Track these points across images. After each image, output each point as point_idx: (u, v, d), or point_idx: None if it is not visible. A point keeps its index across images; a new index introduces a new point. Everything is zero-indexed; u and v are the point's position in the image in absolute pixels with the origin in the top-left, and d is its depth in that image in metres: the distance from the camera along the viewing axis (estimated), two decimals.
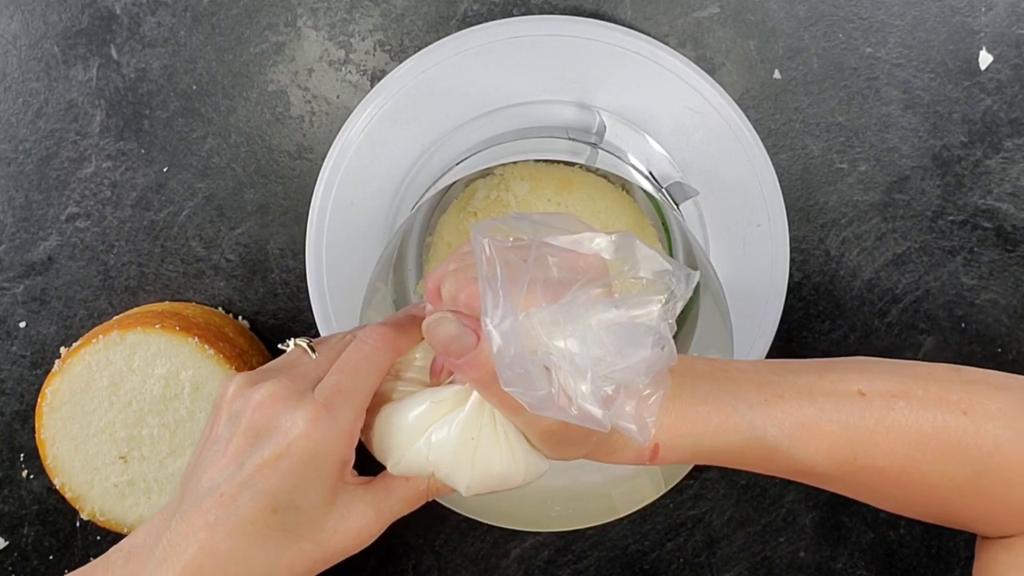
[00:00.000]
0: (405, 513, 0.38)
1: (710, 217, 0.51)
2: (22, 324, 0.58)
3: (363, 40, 0.56)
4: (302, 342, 0.39)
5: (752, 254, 0.51)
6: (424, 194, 0.49)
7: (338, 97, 0.56)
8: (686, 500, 0.60)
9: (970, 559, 0.59)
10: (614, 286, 0.33)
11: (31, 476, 0.60)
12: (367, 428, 0.38)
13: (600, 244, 0.33)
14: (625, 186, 0.54)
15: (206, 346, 0.52)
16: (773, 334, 0.52)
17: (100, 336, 0.53)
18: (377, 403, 0.38)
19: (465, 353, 0.33)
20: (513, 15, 0.54)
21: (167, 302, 0.58)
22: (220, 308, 0.58)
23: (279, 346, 0.40)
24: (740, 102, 0.50)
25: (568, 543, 0.60)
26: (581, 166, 0.52)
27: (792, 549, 0.60)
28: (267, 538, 0.34)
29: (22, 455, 0.60)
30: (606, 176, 0.53)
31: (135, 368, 0.52)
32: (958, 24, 0.54)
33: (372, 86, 0.54)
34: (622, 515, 0.46)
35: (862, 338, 0.58)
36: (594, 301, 0.32)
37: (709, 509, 0.60)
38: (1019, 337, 0.57)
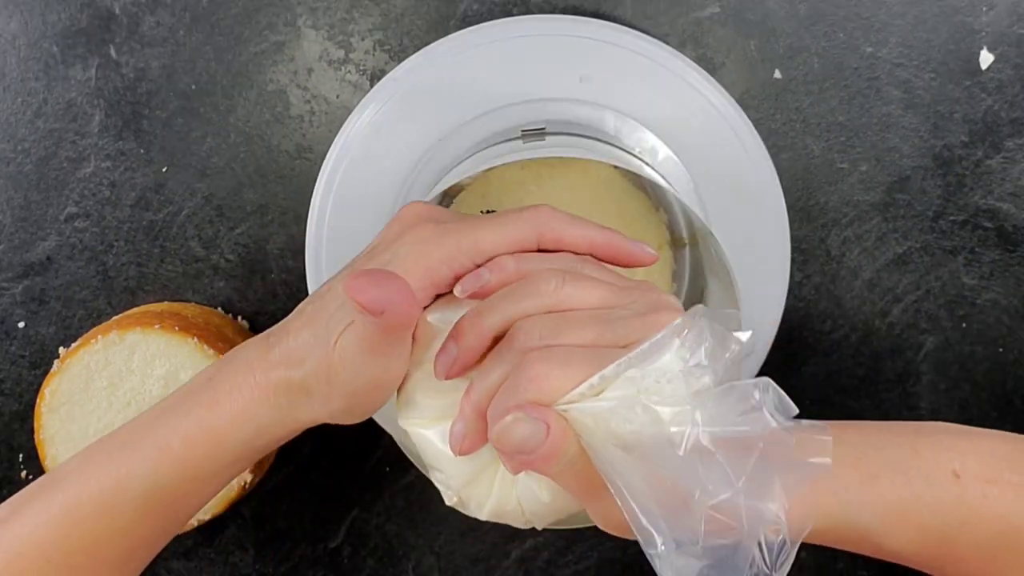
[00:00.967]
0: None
1: (710, 217, 0.51)
2: (21, 324, 0.58)
3: (363, 40, 0.56)
4: None
5: (752, 254, 0.51)
6: (428, 194, 0.49)
7: (338, 97, 0.56)
8: None
9: None
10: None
11: (30, 477, 0.60)
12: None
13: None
14: (634, 181, 0.53)
15: (205, 346, 0.52)
16: (774, 334, 0.52)
17: (99, 336, 0.52)
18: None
19: (538, 448, 0.30)
20: (513, 14, 0.54)
21: (166, 302, 0.58)
22: (219, 308, 0.58)
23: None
24: (740, 102, 0.50)
25: (568, 544, 0.60)
26: (590, 161, 0.52)
27: None
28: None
29: (21, 455, 0.59)
30: (616, 174, 0.53)
31: (134, 368, 0.52)
32: (959, 23, 0.54)
33: (372, 86, 0.54)
34: None
35: (863, 338, 0.57)
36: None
37: None
38: (1020, 337, 0.57)
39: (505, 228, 0.34)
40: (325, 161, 0.51)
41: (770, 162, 0.50)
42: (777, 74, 0.55)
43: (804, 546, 0.57)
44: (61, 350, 0.57)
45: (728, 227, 0.51)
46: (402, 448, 0.44)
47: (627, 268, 0.36)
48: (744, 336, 0.30)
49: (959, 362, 0.57)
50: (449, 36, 0.50)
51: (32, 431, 0.54)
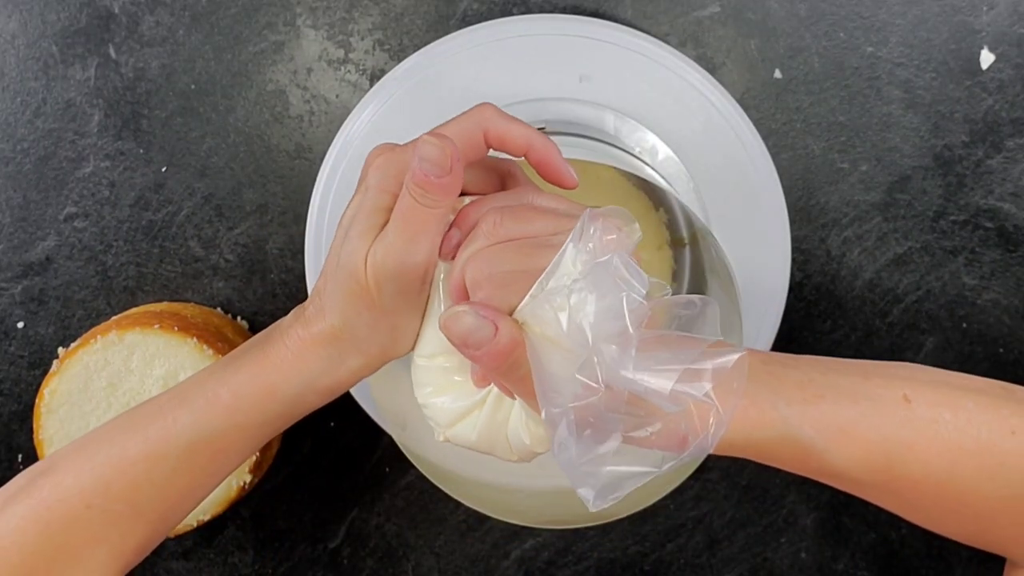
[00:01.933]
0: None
1: (711, 217, 0.51)
2: (20, 324, 0.58)
3: (362, 39, 0.55)
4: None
5: (753, 254, 0.51)
6: None
7: (337, 96, 0.56)
8: (687, 501, 0.59)
9: (971, 559, 0.59)
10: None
11: None
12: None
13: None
14: (635, 180, 0.53)
15: (205, 346, 0.52)
16: (774, 334, 0.52)
17: (98, 336, 0.52)
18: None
19: (484, 344, 0.33)
20: (513, 14, 0.54)
21: (165, 302, 0.58)
22: (219, 308, 0.58)
23: None
24: (741, 101, 0.50)
25: (568, 544, 0.60)
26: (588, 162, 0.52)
27: (793, 550, 0.60)
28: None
29: (20, 456, 0.59)
30: (616, 173, 0.53)
31: (133, 369, 0.52)
32: (959, 23, 0.54)
33: (371, 85, 0.54)
34: (629, 512, 0.46)
35: (863, 338, 0.57)
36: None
37: (710, 510, 0.59)
38: (1021, 337, 0.57)
39: (453, 124, 0.37)
40: (324, 161, 0.51)
41: (770, 162, 0.50)
42: (777, 74, 0.55)
43: (805, 547, 0.58)
44: (60, 350, 0.57)
45: (728, 227, 0.51)
46: (402, 448, 0.44)
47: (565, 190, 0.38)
48: (634, 227, 0.33)
49: (959, 362, 0.57)
50: (449, 36, 0.50)
51: (31, 431, 0.54)
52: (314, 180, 0.51)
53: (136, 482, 0.38)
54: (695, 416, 0.31)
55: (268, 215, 0.57)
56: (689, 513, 0.60)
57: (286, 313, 0.39)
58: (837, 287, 0.57)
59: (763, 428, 0.34)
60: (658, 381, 0.30)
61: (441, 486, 0.44)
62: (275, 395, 0.38)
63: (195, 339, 0.52)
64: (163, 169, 0.57)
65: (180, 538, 0.60)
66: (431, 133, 0.35)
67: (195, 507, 0.41)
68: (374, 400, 0.46)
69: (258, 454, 0.54)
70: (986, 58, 0.54)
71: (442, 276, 0.38)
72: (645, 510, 0.47)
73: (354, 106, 0.50)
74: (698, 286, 0.53)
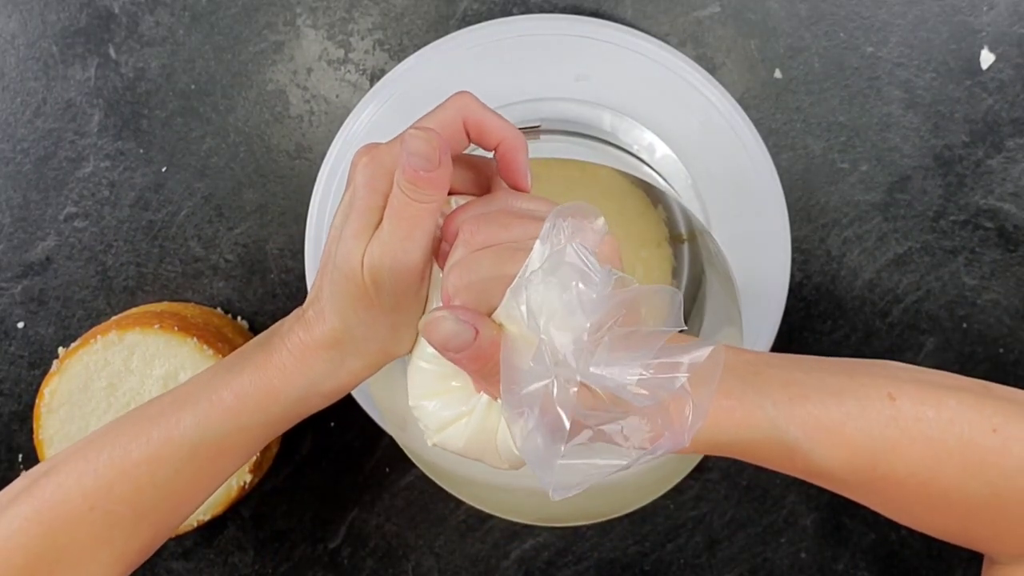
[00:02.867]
0: None
1: (711, 217, 0.51)
2: (20, 324, 0.58)
3: (362, 39, 0.55)
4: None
5: (753, 254, 0.51)
6: None
7: (337, 96, 0.56)
8: (687, 501, 0.59)
9: (971, 559, 0.59)
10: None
11: None
12: None
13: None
14: (633, 178, 0.53)
15: (205, 346, 0.52)
16: (774, 334, 0.52)
17: (98, 336, 0.52)
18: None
19: (465, 348, 0.33)
20: (513, 14, 0.54)
21: (165, 302, 0.58)
22: (219, 308, 0.58)
23: None
24: (741, 101, 0.50)
25: (568, 544, 0.60)
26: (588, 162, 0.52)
27: (793, 550, 0.60)
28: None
29: (20, 456, 0.59)
30: (614, 171, 0.53)
31: (133, 369, 0.52)
32: (960, 23, 0.54)
33: (371, 85, 0.54)
34: (627, 511, 0.46)
35: (863, 338, 0.57)
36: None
37: (710, 510, 0.59)
38: (1021, 337, 0.57)
39: (435, 114, 0.37)
40: (324, 161, 0.51)
41: (770, 162, 0.50)
42: (777, 74, 0.55)
43: (805, 547, 0.57)
44: (60, 350, 0.57)
45: (728, 227, 0.51)
46: (402, 448, 0.44)
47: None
48: (599, 221, 0.34)
49: (959, 362, 0.57)
50: (449, 36, 0.50)
51: (31, 432, 0.54)
52: (314, 180, 0.51)
53: (139, 484, 0.38)
54: (671, 410, 0.32)
55: (268, 215, 0.57)
56: (689, 513, 0.60)
57: (286, 313, 0.39)
58: (837, 287, 0.57)
59: (749, 428, 0.35)
60: (625, 375, 0.31)
61: (442, 484, 0.44)
62: (278, 398, 0.38)
63: (195, 339, 0.52)
64: (163, 169, 0.57)
65: (180, 538, 0.60)
66: (415, 126, 0.35)
67: (197, 508, 0.41)
68: (374, 400, 0.46)
69: (258, 454, 0.54)
70: (986, 58, 0.54)
71: (441, 276, 0.38)
72: (645, 510, 0.47)
73: (354, 106, 0.50)
74: (698, 281, 0.53)
